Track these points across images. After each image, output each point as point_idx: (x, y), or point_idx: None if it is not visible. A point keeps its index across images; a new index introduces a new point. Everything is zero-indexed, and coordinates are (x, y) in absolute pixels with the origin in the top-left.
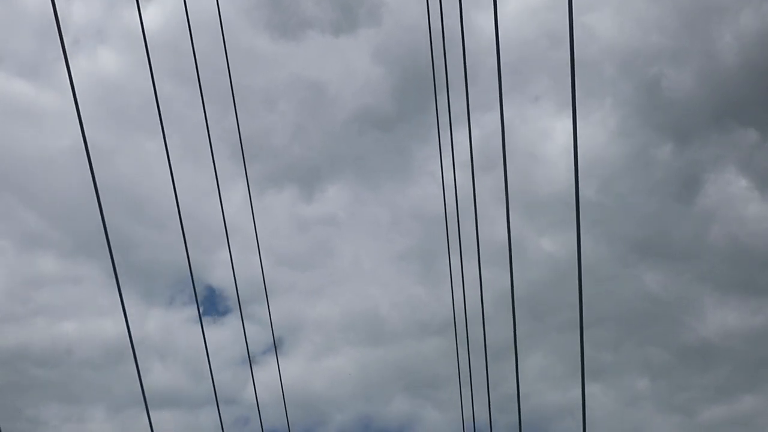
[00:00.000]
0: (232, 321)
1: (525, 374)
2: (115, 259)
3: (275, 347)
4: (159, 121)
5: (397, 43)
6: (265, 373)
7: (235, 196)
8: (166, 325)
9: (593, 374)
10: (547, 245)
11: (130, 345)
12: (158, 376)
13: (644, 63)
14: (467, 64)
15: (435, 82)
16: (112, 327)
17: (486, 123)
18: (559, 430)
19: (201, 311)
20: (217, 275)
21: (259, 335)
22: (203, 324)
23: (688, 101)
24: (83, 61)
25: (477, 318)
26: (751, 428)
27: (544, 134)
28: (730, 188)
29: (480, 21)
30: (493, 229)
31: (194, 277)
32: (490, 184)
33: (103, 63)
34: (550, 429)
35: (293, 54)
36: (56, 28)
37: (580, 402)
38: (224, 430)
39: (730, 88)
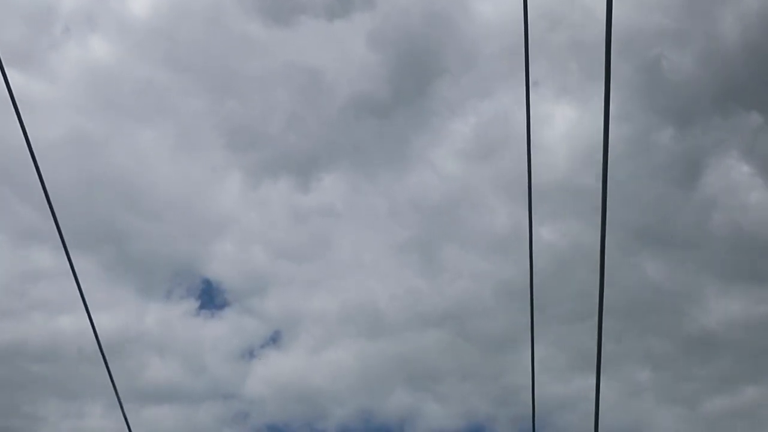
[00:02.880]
0: (231, 315)
1: (525, 366)
2: (112, 253)
3: None
4: (154, 110)
5: (393, 27)
6: (264, 367)
7: (232, 186)
8: (164, 319)
9: (594, 365)
10: (547, 234)
11: (129, 339)
12: (157, 371)
13: (644, 44)
14: (465, 49)
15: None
16: (109, 321)
17: (484, 110)
18: (560, 423)
19: (198, 305)
20: (215, 268)
21: (258, 329)
22: (201, 317)
23: (689, 84)
24: (74, 49)
25: (477, 310)
26: (754, 420)
27: (543, 121)
28: (732, 174)
29: (479, 5)
30: (493, 219)
31: (191, 269)
32: (488, 172)
33: (94, 51)
34: (551, 422)
35: (287, 40)
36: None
37: (581, 394)
38: (223, 424)
39: (732, 70)
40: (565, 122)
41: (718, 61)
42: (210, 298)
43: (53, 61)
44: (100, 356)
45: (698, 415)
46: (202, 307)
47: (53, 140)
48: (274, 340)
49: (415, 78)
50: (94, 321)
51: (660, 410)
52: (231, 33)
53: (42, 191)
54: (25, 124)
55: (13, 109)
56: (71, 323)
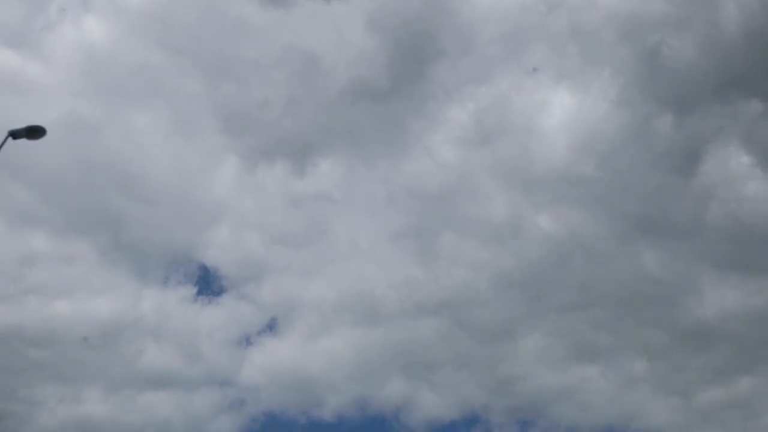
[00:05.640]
0: (228, 301)
1: (522, 356)
2: (108, 238)
3: None
4: (149, 93)
5: (391, 10)
6: (261, 355)
7: (227, 171)
8: (160, 305)
9: (591, 356)
10: (545, 223)
11: (125, 325)
12: (153, 357)
13: (645, 30)
14: (463, 33)
15: None
16: (105, 306)
17: (481, 96)
18: (555, 413)
19: (195, 291)
20: (211, 255)
21: (254, 316)
22: (198, 304)
23: (689, 70)
24: (69, 31)
25: (473, 300)
26: (748, 411)
27: (542, 108)
28: (731, 164)
29: None
30: (490, 207)
31: (188, 255)
32: (486, 160)
33: (89, 32)
34: (548, 412)
35: (283, 23)
36: None
37: (577, 385)
38: (220, 411)
39: (733, 57)
40: (564, 109)
41: (719, 49)
42: (207, 284)
43: (48, 43)
44: (97, 341)
45: (693, 406)
46: (199, 293)
47: (50, 122)
48: (271, 327)
49: (412, 62)
50: (90, 306)
51: (655, 401)
52: (227, 15)
53: (38, 176)
54: (19, 105)
55: (3, 92)
56: (68, 308)
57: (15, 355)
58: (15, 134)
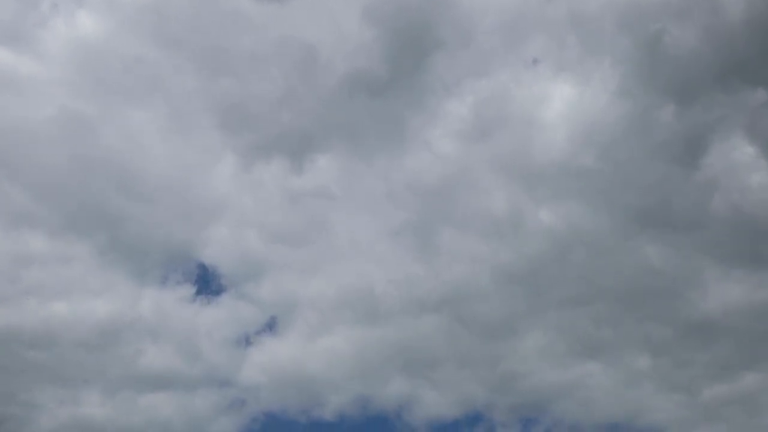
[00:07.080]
0: (227, 301)
1: (524, 353)
2: (105, 237)
3: None
4: (145, 88)
5: (388, 0)
6: (260, 354)
7: (225, 168)
8: (159, 305)
9: (593, 352)
10: (546, 217)
11: (123, 326)
12: (152, 357)
13: (646, 19)
14: (461, 24)
15: None
16: (104, 307)
17: (480, 89)
18: (558, 410)
19: (194, 291)
20: (210, 253)
21: (254, 315)
22: (197, 304)
23: (691, 59)
24: (62, 26)
25: (474, 295)
26: (753, 406)
27: (542, 100)
28: (734, 154)
29: None
30: (490, 201)
31: (186, 254)
32: (485, 153)
33: (83, 27)
34: (551, 409)
35: (279, 15)
36: None
37: (580, 381)
38: (220, 412)
39: (736, 45)
40: (565, 101)
41: (722, 37)
42: (206, 284)
43: (41, 39)
44: (95, 343)
45: (697, 401)
46: (198, 293)
47: (45, 120)
48: (270, 326)
49: (411, 54)
50: (88, 307)
51: (659, 398)
52: (222, 8)
53: (34, 175)
54: (12, 103)
55: (2, 90)
56: (66, 309)
57: (13, 357)
58: None
